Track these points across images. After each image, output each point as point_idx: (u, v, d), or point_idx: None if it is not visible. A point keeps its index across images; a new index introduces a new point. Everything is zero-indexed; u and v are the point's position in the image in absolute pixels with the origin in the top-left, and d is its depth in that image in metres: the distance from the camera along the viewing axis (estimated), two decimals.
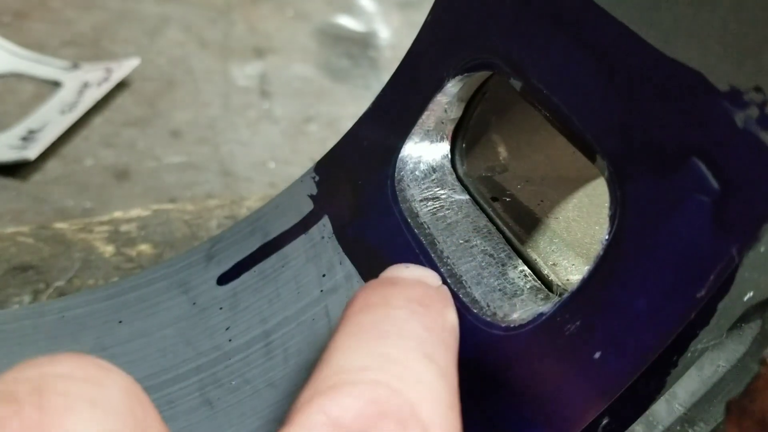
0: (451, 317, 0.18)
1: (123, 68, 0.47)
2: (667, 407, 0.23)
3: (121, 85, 0.47)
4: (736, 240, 0.17)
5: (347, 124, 0.48)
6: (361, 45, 0.55)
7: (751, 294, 0.19)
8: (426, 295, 0.18)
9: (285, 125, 0.47)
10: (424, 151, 0.26)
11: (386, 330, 0.15)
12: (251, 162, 0.44)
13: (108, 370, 0.14)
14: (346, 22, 0.57)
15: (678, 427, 0.23)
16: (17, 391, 0.12)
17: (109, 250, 0.35)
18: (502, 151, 0.28)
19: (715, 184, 0.18)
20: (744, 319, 0.21)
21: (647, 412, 0.21)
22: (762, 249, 0.17)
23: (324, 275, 0.26)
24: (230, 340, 0.26)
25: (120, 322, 0.27)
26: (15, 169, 0.40)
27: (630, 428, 0.22)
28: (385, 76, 0.54)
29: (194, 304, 0.27)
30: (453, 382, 0.16)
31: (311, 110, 0.49)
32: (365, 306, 0.17)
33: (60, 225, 0.36)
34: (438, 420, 0.14)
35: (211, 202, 0.39)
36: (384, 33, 0.57)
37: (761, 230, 0.17)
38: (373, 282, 0.19)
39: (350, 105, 0.50)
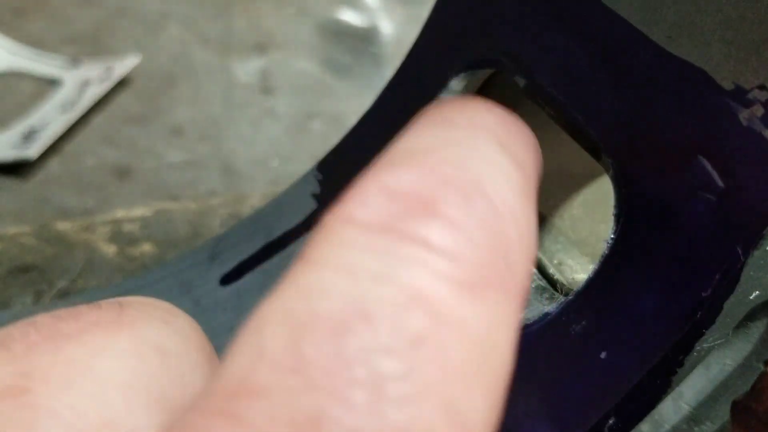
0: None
1: (124, 66, 0.47)
2: (674, 406, 0.23)
3: (122, 83, 0.47)
4: (742, 239, 0.17)
5: (350, 121, 0.48)
6: (363, 40, 0.55)
7: (757, 293, 0.19)
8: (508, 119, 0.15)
9: (287, 122, 0.47)
10: None
11: (458, 120, 0.13)
12: (253, 159, 0.44)
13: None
14: (349, 17, 0.57)
15: (684, 426, 0.23)
16: (100, 303, 0.13)
17: (111, 250, 0.35)
18: None
19: (720, 182, 0.18)
20: (750, 317, 0.20)
21: (653, 411, 0.21)
22: (767, 248, 0.17)
23: None
24: None
25: None
26: (16, 168, 0.40)
27: (636, 427, 0.22)
28: (388, 72, 0.54)
29: (198, 304, 0.27)
30: (530, 177, 0.13)
31: (313, 107, 0.49)
32: (437, 108, 0.14)
33: (62, 225, 0.36)
34: (508, 199, 0.12)
35: (213, 201, 0.39)
36: (387, 28, 0.56)
37: (766, 229, 0.17)
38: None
39: (353, 101, 0.49)
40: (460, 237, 0.11)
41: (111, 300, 0.13)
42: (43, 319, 0.12)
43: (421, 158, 0.12)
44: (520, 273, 0.12)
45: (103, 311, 0.13)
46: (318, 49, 0.53)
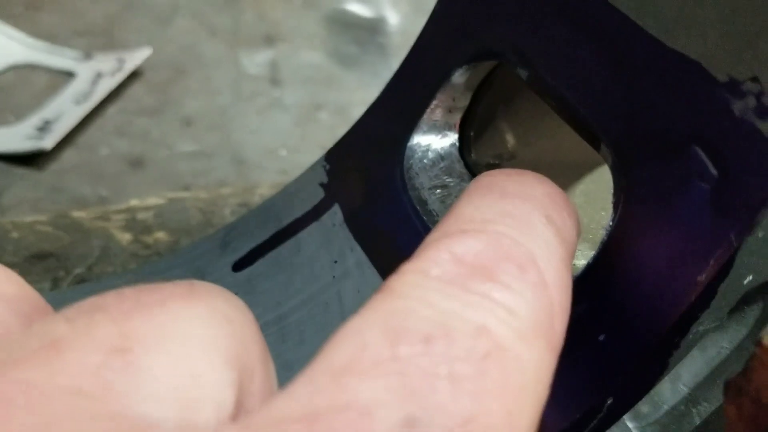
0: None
1: (135, 58, 0.48)
2: (672, 387, 0.24)
3: (134, 75, 0.47)
4: (734, 226, 0.18)
5: (356, 111, 0.48)
6: (370, 31, 0.56)
7: (751, 277, 0.19)
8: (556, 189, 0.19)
9: (295, 113, 0.48)
10: (432, 140, 0.27)
11: (510, 191, 0.17)
12: (262, 149, 0.45)
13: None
14: (355, 8, 0.57)
15: (682, 407, 0.24)
16: (174, 281, 0.15)
17: (126, 237, 0.36)
18: (510, 139, 0.28)
19: (714, 171, 0.19)
20: (745, 301, 0.21)
21: (652, 392, 0.22)
22: (760, 234, 0.18)
23: (336, 261, 0.27)
24: None
25: None
26: (32, 159, 0.41)
27: (635, 408, 0.22)
28: (395, 62, 0.55)
29: None
30: (570, 245, 0.17)
31: (321, 97, 0.49)
32: (494, 175, 0.18)
33: (78, 213, 0.37)
34: (553, 272, 0.15)
35: (224, 190, 0.40)
36: (393, 19, 0.57)
37: (758, 216, 0.18)
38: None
39: (359, 92, 0.50)
40: (517, 298, 0.14)
41: (182, 280, 0.15)
42: (127, 291, 0.14)
43: (481, 228, 0.15)
44: (560, 331, 0.15)
45: (179, 286, 0.14)
46: (325, 40, 0.54)
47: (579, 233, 0.19)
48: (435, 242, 0.15)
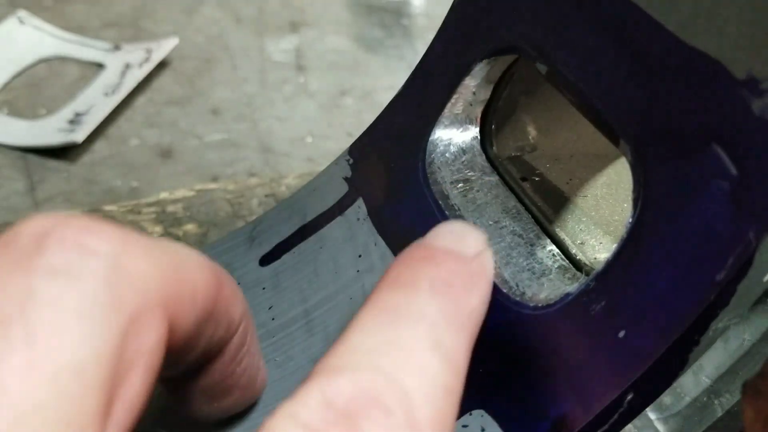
0: (476, 298, 0.19)
1: (162, 48, 0.48)
2: (694, 379, 0.24)
3: (161, 65, 0.48)
4: (754, 224, 0.18)
5: (382, 96, 0.49)
6: (394, 14, 0.56)
7: None
8: (455, 273, 0.19)
9: (321, 99, 0.48)
10: (454, 134, 0.27)
11: (402, 314, 0.17)
12: (289, 137, 0.45)
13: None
14: None
15: (705, 398, 0.24)
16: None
17: (157, 230, 0.37)
18: (531, 131, 0.28)
19: (733, 169, 0.19)
20: None
21: (675, 384, 0.22)
22: None
23: (360, 256, 0.27)
24: (273, 319, 0.27)
25: None
26: (64, 152, 0.42)
27: (658, 399, 0.22)
28: (420, 45, 0.55)
29: (239, 284, 0.28)
30: (458, 365, 0.17)
31: (346, 83, 0.49)
32: (393, 284, 0.18)
33: (110, 207, 0.38)
34: (430, 407, 0.15)
35: (251, 181, 0.41)
36: (417, 0, 0.57)
37: None
38: (407, 253, 0.20)
39: (385, 76, 0.50)
40: None
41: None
42: None
43: (357, 364, 0.15)
44: None
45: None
46: (349, 24, 0.54)
47: (478, 322, 0.19)
48: (315, 379, 0.15)
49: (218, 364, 0.20)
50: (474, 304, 0.19)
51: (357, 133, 0.29)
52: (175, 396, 0.21)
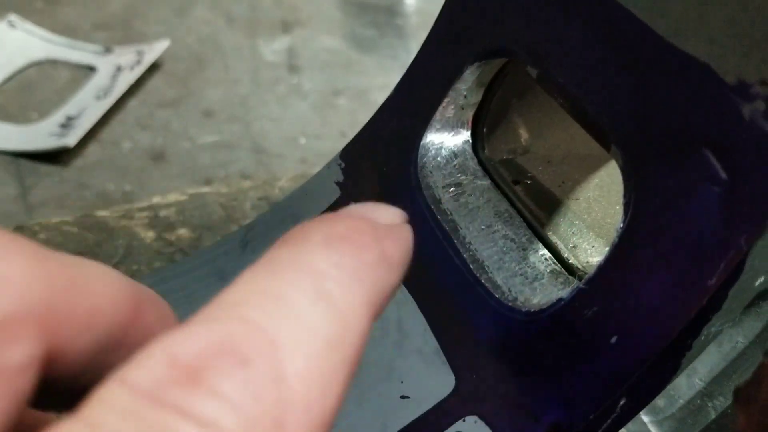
0: (377, 254, 0.15)
1: (154, 50, 0.48)
2: (688, 382, 0.24)
3: (153, 67, 0.48)
4: (744, 230, 0.18)
5: (376, 96, 0.48)
6: (387, 13, 0.55)
7: (762, 279, 0.19)
8: (355, 229, 0.15)
9: (314, 99, 0.48)
10: (445, 137, 0.27)
11: (285, 265, 0.14)
12: (282, 138, 0.45)
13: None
14: None
15: (698, 401, 0.24)
16: None
17: (150, 235, 0.36)
18: (523, 133, 0.28)
19: (723, 174, 0.18)
20: (762, 296, 0.21)
21: (668, 386, 0.22)
22: None
23: None
24: None
25: None
26: (56, 156, 0.42)
27: (652, 402, 0.22)
28: (413, 44, 0.54)
29: None
30: (349, 319, 0.14)
31: (339, 83, 0.49)
32: (281, 241, 0.15)
33: (102, 213, 0.38)
34: (303, 360, 0.13)
35: (245, 184, 0.41)
36: None
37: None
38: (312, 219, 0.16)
39: (378, 76, 0.50)
40: (223, 405, 0.12)
41: None
42: None
43: (218, 317, 0.13)
44: (300, 428, 0.12)
45: None
46: (342, 24, 0.54)
47: (394, 287, 0.15)
48: (159, 338, 0.12)
49: None
50: (376, 258, 0.15)
51: (351, 133, 0.29)
52: None
